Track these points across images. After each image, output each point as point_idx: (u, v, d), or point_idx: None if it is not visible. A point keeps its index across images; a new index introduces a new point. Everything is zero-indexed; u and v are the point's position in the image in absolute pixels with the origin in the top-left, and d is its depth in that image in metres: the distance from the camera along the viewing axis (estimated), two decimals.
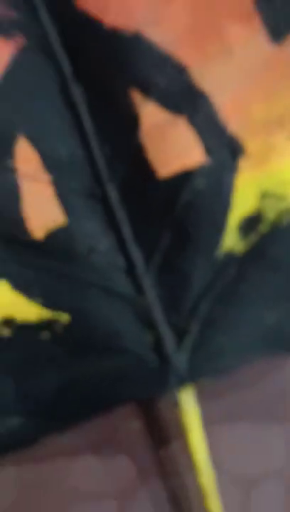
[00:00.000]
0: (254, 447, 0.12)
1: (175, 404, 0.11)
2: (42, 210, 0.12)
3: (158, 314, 0.11)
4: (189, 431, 0.11)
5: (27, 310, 0.12)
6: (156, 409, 0.12)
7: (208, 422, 0.12)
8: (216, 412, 0.12)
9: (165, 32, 0.11)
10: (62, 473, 0.12)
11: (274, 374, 0.12)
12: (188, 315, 0.11)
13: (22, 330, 0.12)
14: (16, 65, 0.12)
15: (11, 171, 0.12)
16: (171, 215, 0.11)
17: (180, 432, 0.11)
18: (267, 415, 0.12)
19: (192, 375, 0.11)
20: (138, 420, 0.12)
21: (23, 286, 0.12)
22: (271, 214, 0.11)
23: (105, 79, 0.12)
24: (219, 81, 0.11)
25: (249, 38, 0.11)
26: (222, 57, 0.11)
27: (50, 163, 0.12)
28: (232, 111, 0.11)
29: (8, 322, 0.12)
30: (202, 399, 0.12)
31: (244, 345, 0.11)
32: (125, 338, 0.11)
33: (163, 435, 0.12)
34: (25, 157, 0.12)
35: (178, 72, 0.11)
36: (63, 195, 0.12)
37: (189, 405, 0.11)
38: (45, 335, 0.12)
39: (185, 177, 0.11)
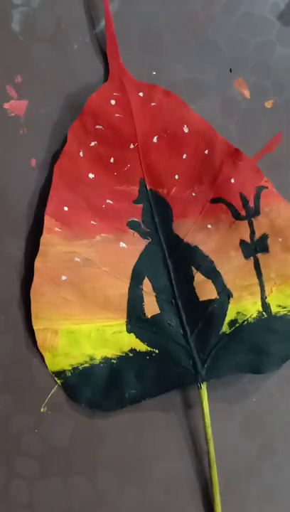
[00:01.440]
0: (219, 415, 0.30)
1: (199, 389, 0.29)
2: (150, 306, 0.30)
3: (195, 353, 0.29)
4: (203, 399, 0.29)
5: (141, 346, 0.29)
6: (188, 394, 0.30)
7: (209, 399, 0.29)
8: (212, 395, 0.30)
9: (206, 247, 0.30)
10: (145, 420, 0.29)
11: (239, 381, 0.30)
12: (207, 355, 0.29)
13: (138, 354, 0.29)
14: (147, 249, 0.30)
15: (141, 290, 0.30)
16: (203, 316, 0.30)
17: (199, 403, 0.29)
18: (236, 399, 0.30)
19: (207, 379, 0.29)
20: (180, 396, 0.30)
21: (140, 336, 0.29)
22: (240, 320, 0.29)
23: (181, 259, 0.30)
24: (225, 269, 0.30)
25: (237, 255, 0.30)
26: (227, 260, 0.30)
27: (156, 288, 0.30)
28: (229, 280, 0.30)
29: (132, 350, 0.29)
30: (208, 390, 0.29)
31: (229, 369, 0.28)
32: (181, 361, 0.29)
33: (190, 404, 0.30)
34: (146, 285, 0.30)
35: (210, 263, 0.30)
36: (159, 301, 0.30)
37: (204, 389, 0.29)
38: (148, 357, 0.29)
39: (209, 302, 0.29)
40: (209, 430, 0.27)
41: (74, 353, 0.28)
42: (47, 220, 0.28)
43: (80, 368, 0.28)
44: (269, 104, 0.32)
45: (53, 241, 0.28)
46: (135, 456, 0.28)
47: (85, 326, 0.28)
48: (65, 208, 0.29)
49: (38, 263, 0.28)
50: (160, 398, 0.29)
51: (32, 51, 0.30)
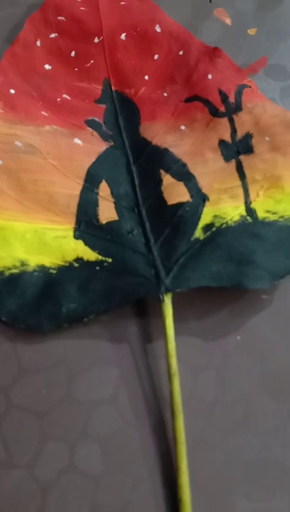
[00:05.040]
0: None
1: (161, 302, 0.21)
2: (106, 212, 0.24)
3: (158, 262, 0.22)
4: (166, 316, 0.21)
5: (90, 254, 0.23)
6: (149, 309, 0.22)
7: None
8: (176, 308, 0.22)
9: (179, 150, 0.25)
10: (92, 345, 0.21)
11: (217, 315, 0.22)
12: (173, 263, 0.22)
13: (85, 264, 0.22)
14: (107, 151, 0.25)
15: (96, 194, 0.24)
16: (171, 221, 0.23)
17: (162, 318, 0.21)
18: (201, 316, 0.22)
19: (171, 288, 0.21)
20: (137, 322, 0.22)
21: (91, 244, 0.23)
22: (217, 224, 0.23)
23: (148, 163, 0.25)
24: (200, 172, 0.25)
25: (215, 158, 0.25)
26: (202, 164, 0.25)
27: (115, 194, 0.24)
28: (205, 184, 0.24)
29: (78, 259, 0.22)
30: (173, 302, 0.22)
31: (202, 279, 0.21)
32: (140, 270, 0.22)
33: (149, 333, 0.22)
34: (104, 189, 0.24)
35: (182, 165, 0.25)
36: (118, 208, 0.24)
37: (168, 302, 0.21)
38: (98, 268, 0.22)
39: (180, 205, 0.24)
40: (173, 362, 0.20)
41: (2, 253, 0.22)
42: None
43: (6, 273, 0.21)
44: (251, 32, 0.30)
45: None
46: (65, 399, 0.20)
47: (20, 224, 0.22)
48: (12, 91, 0.24)
49: None
50: (110, 322, 0.21)
51: None
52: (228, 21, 0.30)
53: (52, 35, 0.26)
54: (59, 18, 0.26)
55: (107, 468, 0.19)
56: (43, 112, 0.24)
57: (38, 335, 0.21)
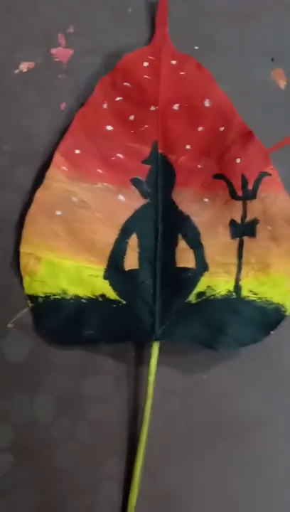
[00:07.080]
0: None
1: (150, 347, 0.30)
2: (130, 260, 0.31)
3: (157, 314, 0.30)
4: (152, 356, 0.29)
5: (112, 293, 0.31)
6: (142, 351, 0.31)
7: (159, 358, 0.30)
8: (162, 355, 0.30)
9: (198, 219, 0.31)
10: (95, 362, 0.31)
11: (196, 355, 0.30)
12: (167, 318, 0.30)
13: (107, 300, 0.31)
14: (142, 208, 0.31)
15: (126, 243, 0.31)
16: (175, 281, 0.30)
17: (149, 362, 0.30)
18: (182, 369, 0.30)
19: (160, 338, 0.29)
20: (135, 351, 0.31)
21: (114, 285, 0.30)
22: (207, 294, 0.30)
23: (171, 225, 0.31)
24: (209, 243, 0.31)
25: (224, 233, 0.31)
26: (213, 236, 0.30)
27: (140, 245, 0.31)
28: (209, 254, 0.31)
29: (103, 296, 0.31)
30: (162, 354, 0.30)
31: (183, 336, 0.29)
32: (143, 317, 0.30)
33: (141, 361, 0.31)
34: (133, 240, 0.31)
35: (197, 234, 0.30)
36: (140, 258, 0.31)
37: (155, 349, 0.29)
38: (114, 305, 0.30)
39: (185, 270, 0.30)
40: (150, 388, 0.28)
41: (51, 283, 0.30)
42: (57, 158, 0.31)
43: (52, 297, 0.30)
44: None
45: (58, 177, 0.30)
46: (76, 390, 0.30)
47: (67, 262, 0.30)
48: (77, 151, 0.31)
49: (38, 193, 0.31)
50: (116, 347, 0.30)
51: (89, 7, 0.33)
52: (282, 84, 0.33)
53: (117, 99, 0.31)
54: (125, 84, 0.31)
55: (93, 441, 0.29)
56: (99, 170, 0.31)
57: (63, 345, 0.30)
